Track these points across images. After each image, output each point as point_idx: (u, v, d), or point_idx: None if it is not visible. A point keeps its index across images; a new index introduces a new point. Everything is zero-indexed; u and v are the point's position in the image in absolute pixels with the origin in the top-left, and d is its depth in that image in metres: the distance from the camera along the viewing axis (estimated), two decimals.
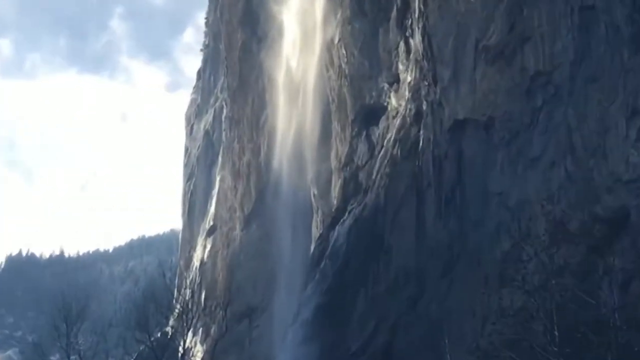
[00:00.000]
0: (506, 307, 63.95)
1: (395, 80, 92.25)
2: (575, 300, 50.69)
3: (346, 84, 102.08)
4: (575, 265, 60.71)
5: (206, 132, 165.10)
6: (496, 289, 66.67)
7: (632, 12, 64.10)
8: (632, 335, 44.90)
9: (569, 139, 66.47)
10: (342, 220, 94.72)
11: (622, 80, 63.95)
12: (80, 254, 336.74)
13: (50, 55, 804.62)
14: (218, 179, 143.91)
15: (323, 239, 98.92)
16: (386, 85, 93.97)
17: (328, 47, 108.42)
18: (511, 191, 69.94)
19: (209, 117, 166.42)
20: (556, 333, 46.59)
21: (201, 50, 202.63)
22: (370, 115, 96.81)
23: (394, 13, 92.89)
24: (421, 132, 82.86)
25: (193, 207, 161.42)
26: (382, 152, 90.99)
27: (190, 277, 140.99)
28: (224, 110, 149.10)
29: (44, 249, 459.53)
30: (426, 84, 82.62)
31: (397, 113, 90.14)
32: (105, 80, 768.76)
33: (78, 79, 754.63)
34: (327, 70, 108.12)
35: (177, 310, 74.57)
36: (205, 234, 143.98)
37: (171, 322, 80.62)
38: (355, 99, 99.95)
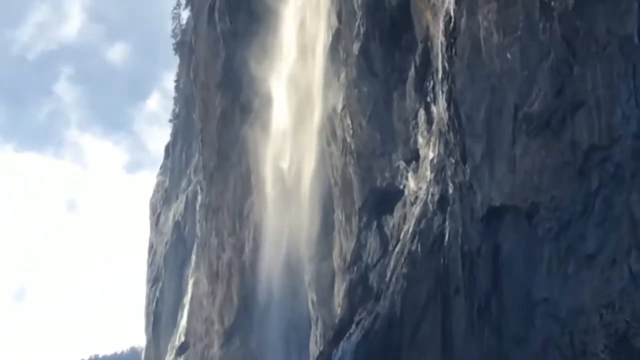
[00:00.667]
0: None
1: (414, 158, 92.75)
2: None
3: (352, 162, 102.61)
4: None
5: (176, 224, 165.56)
6: None
7: None
8: None
9: (634, 231, 66.50)
10: (347, 335, 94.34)
11: None
12: None
13: None
14: (191, 282, 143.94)
15: (324, 358, 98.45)
16: (402, 164, 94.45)
17: (329, 116, 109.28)
18: (561, 297, 69.71)
19: (179, 205, 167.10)
20: None
21: (170, 120, 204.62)
22: (382, 201, 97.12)
23: (411, 73, 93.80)
24: (447, 222, 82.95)
25: (159, 319, 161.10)
26: (397, 248, 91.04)
27: None
28: (199, 197, 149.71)
29: None
30: (453, 161, 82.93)
31: (416, 198, 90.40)
32: (49, 158, 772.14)
33: (14, 157, 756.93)
34: (329, 145, 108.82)
35: None
36: (175, 352, 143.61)
37: None
38: (363, 181, 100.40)
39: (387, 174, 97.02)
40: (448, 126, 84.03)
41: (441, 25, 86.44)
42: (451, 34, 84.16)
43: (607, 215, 68.76)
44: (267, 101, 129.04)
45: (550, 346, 68.94)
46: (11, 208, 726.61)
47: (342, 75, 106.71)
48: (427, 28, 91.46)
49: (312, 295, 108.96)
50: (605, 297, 66.43)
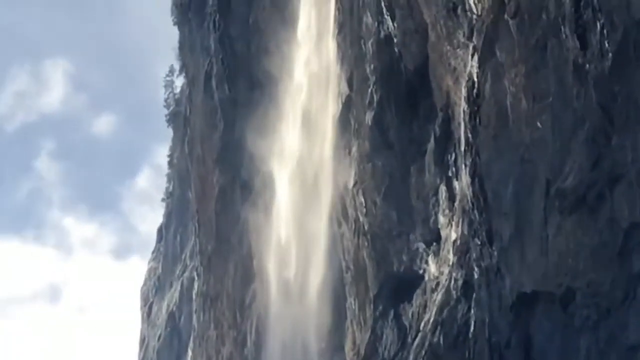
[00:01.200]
0: None
1: (435, 239, 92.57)
2: None
3: (366, 244, 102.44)
4: None
5: (170, 315, 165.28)
6: None
7: None
8: None
9: None
10: None
11: None
12: None
13: None
14: None
15: None
16: (422, 246, 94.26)
17: (340, 194, 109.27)
18: None
19: (174, 294, 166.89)
20: None
21: (162, 200, 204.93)
22: (400, 288, 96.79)
23: (430, 145, 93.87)
24: (472, 311, 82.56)
25: None
26: (417, 340, 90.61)
27: None
28: (195, 284, 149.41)
29: None
30: (478, 243, 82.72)
31: (437, 284, 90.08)
32: (29, 243, 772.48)
33: None
34: (339, 226, 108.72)
35: None
36: None
37: None
38: (378, 265, 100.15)
39: (404, 258, 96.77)
40: (472, 204, 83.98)
41: (463, 91, 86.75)
42: (475, 101, 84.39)
43: None
44: (270, 179, 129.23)
45: None
46: None
47: (354, 148, 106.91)
48: (448, 94, 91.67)
49: None
50: None
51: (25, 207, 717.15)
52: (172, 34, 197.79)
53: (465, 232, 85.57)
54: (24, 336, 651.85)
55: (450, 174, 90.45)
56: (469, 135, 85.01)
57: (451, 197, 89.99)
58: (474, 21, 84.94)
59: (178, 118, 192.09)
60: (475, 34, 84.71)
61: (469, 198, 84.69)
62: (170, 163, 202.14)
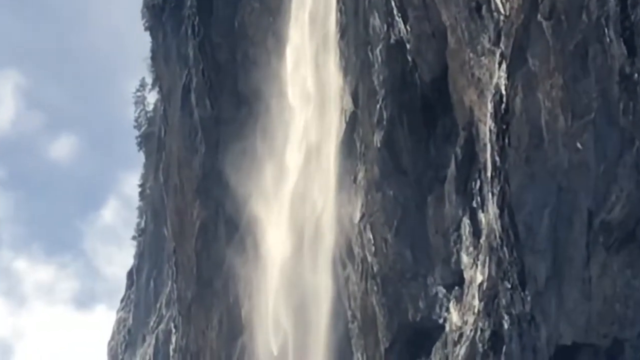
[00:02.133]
0: None
1: (457, 282, 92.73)
2: None
3: (375, 288, 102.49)
4: None
5: None
6: None
7: None
8: None
9: None
10: None
11: None
12: None
13: None
14: None
15: None
16: (442, 290, 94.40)
17: (344, 230, 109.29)
18: None
19: (147, 349, 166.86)
20: None
21: (133, 238, 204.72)
22: (416, 340, 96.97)
23: (451, 170, 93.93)
24: None
25: None
26: None
27: None
28: (173, 338, 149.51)
29: None
30: (508, 286, 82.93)
31: (461, 336, 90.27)
32: None
33: None
34: (344, 268, 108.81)
35: None
36: None
37: None
38: (391, 314, 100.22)
39: (421, 304, 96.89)
40: (501, 239, 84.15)
41: (489, 107, 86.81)
42: (503, 118, 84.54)
43: None
44: (267, 212, 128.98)
45: None
46: None
47: (360, 175, 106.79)
48: (471, 110, 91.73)
49: None
50: None
51: None
52: (144, 41, 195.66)
53: (493, 273, 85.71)
54: None
55: (474, 204, 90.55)
56: (497, 158, 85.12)
57: (476, 232, 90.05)
58: (502, 23, 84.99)
59: (151, 140, 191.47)
60: (502, 38, 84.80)
61: (497, 233, 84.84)
62: (141, 194, 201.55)
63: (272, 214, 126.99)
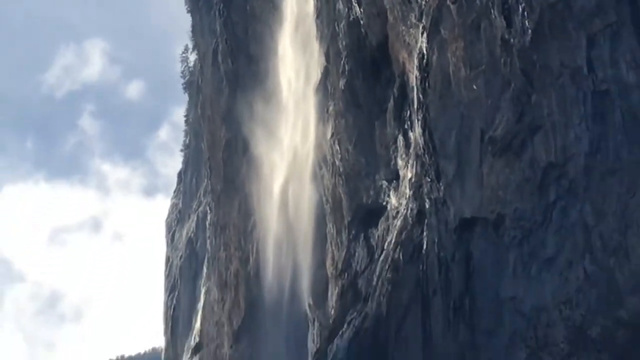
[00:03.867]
0: None
1: (395, 177, 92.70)
2: None
3: (341, 182, 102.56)
4: None
5: (189, 240, 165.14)
6: None
7: None
8: None
9: (587, 237, 66.46)
10: (340, 333, 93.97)
11: None
12: None
13: (17, 161, 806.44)
14: (203, 291, 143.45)
15: (321, 354, 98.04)
16: (385, 183, 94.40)
17: (320, 143, 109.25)
18: (525, 296, 69.52)
19: (191, 224, 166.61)
20: None
21: (181, 150, 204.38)
22: (368, 216, 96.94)
23: (390, 105, 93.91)
24: (425, 233, 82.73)
25: (176, 323, 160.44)
26: (382, 257, 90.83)
27: None
28: (208, 216, 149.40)
29: None
30: (429, 180, 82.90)
31: (397, 213, 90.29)
32: (76, 185, 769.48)
33: (46, 185, 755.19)
34: (320, 169, 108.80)
35: None
36: (190, 352, 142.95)
37: None
38: (351, 199, 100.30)
39: (371, 192, 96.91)
40: (424, 149, 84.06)
41: (415, 62, 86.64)
42: (424, 69, 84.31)
43: (563, 224, 68.78)
44: (268, 133, 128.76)
45: (517, 339, 68.78)
46: (46, 230, 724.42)
47: (331, 108, 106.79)
48: (404, 65, 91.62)
49: (309, 300, 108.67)
50: (564, 295, 66.40)
51: (72, 157, 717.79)
52: (186, 19, 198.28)
53: (419, 172, 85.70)
54: (72, 257, 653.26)
55: (406, 126, 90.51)
56: (420, 96, 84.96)
57: (407, 145, 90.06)
58: (423, 6, 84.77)
59: (192, 86, 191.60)
60: (424, 16, 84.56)
61: (421, 145, 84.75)
62: (186, 121, 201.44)
63: (273, 138, 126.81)
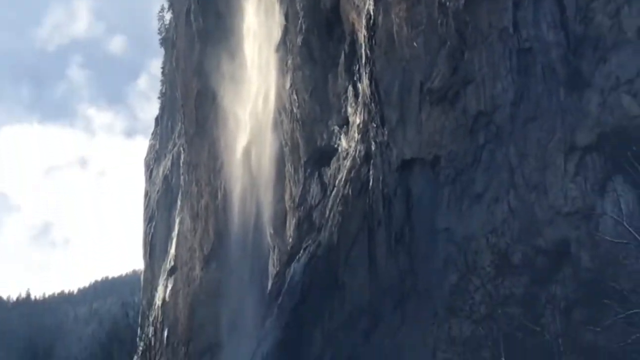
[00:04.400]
0: (455, 337, 63.98)
1: (345, 123, 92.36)
2: (521, 328, 50.81)
3: (298, 127, 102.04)
4: (520, 295, 60.91)
5: (165, 177, 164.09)
6: (446, 319, 66.67)
7: (567, 53, 65.06)
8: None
9: (511, 176, 66.84)
10: (297, 258, 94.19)
11: (560, 118, 64.68)
12: (46, 296, 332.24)
13: (14, 105, 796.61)
14: (177, 221, 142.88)
15: (280, 276, 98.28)
16: (336, 128, 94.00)
17: (280, 93, 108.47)
18: (457, 227, 69.86)
19: (167, 163, 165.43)
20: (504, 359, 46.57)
21: (158, 97, 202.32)
22: (322, 157, 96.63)
23: (342, 59, 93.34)
24: (371, 172, 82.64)
25: (154, 249, 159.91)
26: (334, 192, 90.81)
27: (153, 316, 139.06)
28: (182, 156, 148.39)
29: (11, 292, 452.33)
30: (374, 126, 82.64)
31: (347, 154, 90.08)
32: (65, 128, 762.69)
33: (39, 128, 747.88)
34: (280, 115, 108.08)
35: (140, 348, 73.72)
36: (166, 274, 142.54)
37: (135, 359, 79.37)
38: (307, 142, 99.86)
39: (325, 136, 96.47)
40: (370, 99, 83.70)
41: (363, 22, 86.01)
42: (371, 29, 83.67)
43: (491, 165, 69.03)
44: (234, 82, 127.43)
45: (449, 264, 69.08)
46: (38, 167, 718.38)
47: (290, 62, 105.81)
48: (353, 24, 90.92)
49: (269, 229, 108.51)
50: (490, 226, 66.79)
51: (62, 102, 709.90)
52: None
53: (366, 118, 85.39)
54: (62, 192, 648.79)
55: (355, 79, 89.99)
56: (368, 52, 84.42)
57: (356, 95, 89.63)
58: None
59: (168, 41, 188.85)
60: None
61: (368, 95, 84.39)
62: (163, 73, 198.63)
63: (239, 88, 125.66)
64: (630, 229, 43.57)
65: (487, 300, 60.40)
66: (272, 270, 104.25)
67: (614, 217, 52.24)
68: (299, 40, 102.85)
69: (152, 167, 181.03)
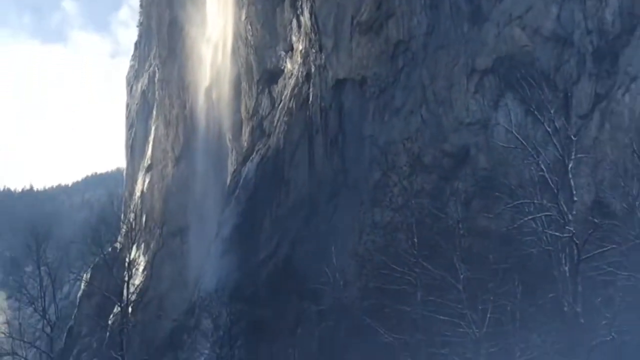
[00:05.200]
0: (377, 222, 64.59)
1: (290, 49, 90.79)
2: (430, 215, 51.21)
3: (252, 52, 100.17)
4: (429, 189, 61.51)
5: (143, 92, 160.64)
6: (370, 208, 67.15)
7: None
8: (473, 241, 45.53)
9: (424, 93, 66.88)
10: (251, 159, 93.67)
11: (463, 47, 64.72)
12: (46, 187, 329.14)
13: (17, 31, 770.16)
14: (153, 128, 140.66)
15: (236, 173, 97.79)
16: (283, 53, 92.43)
17: (237, 24, 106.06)
18: (380, 134, 69.94)
19: (144, 80, 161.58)
20: (415, 240, 46.88)
21: (137, 26, 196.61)
22: (270, 76, 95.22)
23: (286, 2, 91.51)
24: (310, 89, 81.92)
25: (134, 150, 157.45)
26: (280, 105, 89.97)
27: (134, 204, 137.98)
28: (156, 74, 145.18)
29: (17, 184, 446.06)
30: (314, 51, 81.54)
31: (291, 75, 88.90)
32: (62, 49, 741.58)
33: (41, 49, 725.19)
34: (237, 42, 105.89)
35: (123, 230, 73.30)
36: (144, 171, 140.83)
37: (119, 239, 78.77)
38: (259, 64, 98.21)
39: (273, 60, 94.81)
40: (310, 29, 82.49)
41: None
42: None
43: (407, 84, 68.90)
44: (201, 13, 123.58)
45: (373, 164, 69.32)
46: (38, 82, 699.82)
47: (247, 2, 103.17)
48: None
49: (229, 135, 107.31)
50: (407, 133, 67.01)
51: (59, 27, 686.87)
52: None
53: (307, 45, 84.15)
54: (56, 105, 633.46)
55: (299, 12, 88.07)
56: None
57: (299, 25, 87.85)
58: None
59: None
60: None
61: (309, 26, 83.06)
62: (141, 5, 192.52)
63: (203, 19, 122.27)
64: (518, 136, 43.66)
65: (403, 193, 60.77)
66: (230, 168, 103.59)
67: (505, 127, 52.38)
68: None
69: (132, 83, 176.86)
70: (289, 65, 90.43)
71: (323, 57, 78.99)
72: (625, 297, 37.71)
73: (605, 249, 38.41)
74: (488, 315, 35.52)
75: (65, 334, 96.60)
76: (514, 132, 44.50)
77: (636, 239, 39.93)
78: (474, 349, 35.34)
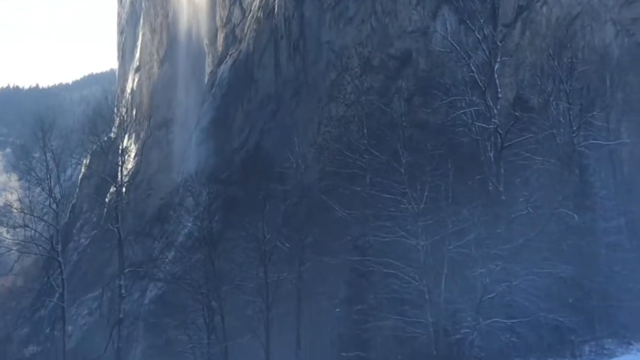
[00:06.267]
0: (333, 116, 64.32)
1: None
2: (377, 110, 51.32)
3: None
4: (377, 87, 61.33)
5: (131, 2, 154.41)
6: (327, 104, 66.51)
7: None
8: (413, 131, 45.70)
9: (373, 5, 65.73)
10: (225, 61, 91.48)
11: None
12: (50, 85, 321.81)
13: None
14: (141, 34, 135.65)
15: (213, 73, 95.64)
16: None
17: None
18: (336, 40, 68.69)
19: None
20: (365, 131, 46.81)
21: None
22: None
23: None
24: (276, 1, 79.19)
25: (125, 53, 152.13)
26: (250, 15, 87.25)
27: (125, 100, 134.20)
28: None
29: (25, 82, 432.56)
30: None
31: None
32: None
33: None
34: None
35: (117, 122, 72.02)
36: (133, 71, 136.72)
37: (113, 129, 77.06)
38: None
39: None
40: None
41: None
42: None
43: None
44: None
45: (330, 65, 68.56)
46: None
47: None
48: None
49: (206, 40, 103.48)
50: (358, 39, 66.05)
51: None
52: None
53: None
54: (57, 18, 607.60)
55: None
56: None
57: None
58: None
59: None
60: None
61: None
62: None
63: None
64: (452, 42, 43.73)
65: (355, 91, 60.65)
66: (207, 69, 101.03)
67: (442, 34, 52.28)
68: None
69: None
70: None
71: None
72: (540, 178, 38.80)
73: (524, 137, 39.43)
74: (425, 194, 35.98)
75: (69, 210, 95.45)
76: (449, 38, 44.84)
77: (550, 129, 41.04)
78: (414, 221, 35.96)
